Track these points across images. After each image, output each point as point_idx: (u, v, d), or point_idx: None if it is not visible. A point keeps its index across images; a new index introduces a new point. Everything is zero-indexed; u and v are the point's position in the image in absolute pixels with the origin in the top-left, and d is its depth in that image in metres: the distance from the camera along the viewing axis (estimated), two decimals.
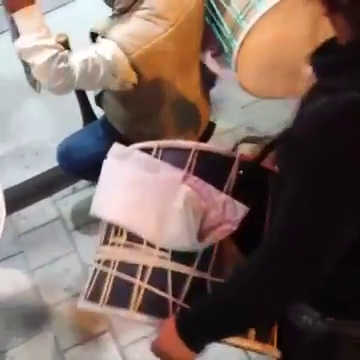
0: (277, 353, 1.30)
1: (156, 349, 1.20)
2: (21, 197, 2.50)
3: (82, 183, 2.49)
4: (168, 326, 1.16)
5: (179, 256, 1.23)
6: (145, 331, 2.06)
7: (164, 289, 1.21)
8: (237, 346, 1.25)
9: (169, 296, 1.21)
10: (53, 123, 2.69)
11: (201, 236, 1.22)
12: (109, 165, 1.34)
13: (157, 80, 1.84)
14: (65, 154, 2.18)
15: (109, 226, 1.31)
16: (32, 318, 2.19)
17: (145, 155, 1.29)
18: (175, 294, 1.21)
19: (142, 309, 1.21)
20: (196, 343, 1.14)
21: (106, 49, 1.73)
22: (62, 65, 1.66)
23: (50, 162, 2.45)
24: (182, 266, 1.23)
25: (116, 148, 1.34)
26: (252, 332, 1.24)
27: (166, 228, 1.21)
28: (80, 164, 2.12)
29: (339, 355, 1.25)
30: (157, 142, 1.29)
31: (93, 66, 1.70)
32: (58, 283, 2.25)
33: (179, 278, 1.22)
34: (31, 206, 2.50)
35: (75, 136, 2.22)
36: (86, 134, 2.23)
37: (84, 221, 2.37)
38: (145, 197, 1.24)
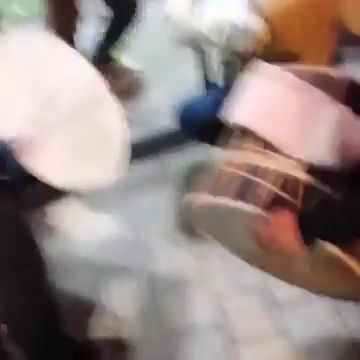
0: None
1: (267, 236, 1.25)
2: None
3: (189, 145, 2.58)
4: (287, 217, 1.21)
5: (314, 171, 1.27)
6: (239, 284, 2.09)
7: (294, 197, 1.26)
8: (337, 260, 1.27)
9: (298, 203, 1.25)
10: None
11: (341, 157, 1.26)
12: (253, 81, 1.40)
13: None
14: (185, 112, 2.26)
15: (242, 134, 1.37)
16: (130, 261, 2.26)
17: (294, 76, 1.34)
18: (303, 204, 1.26)
19: (268, 209, 1.27)
20: (310, 237, 1.19)
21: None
22: None
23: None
24: (316, 180, 1.27)
25: (263, 67, 1.40)
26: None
27: (311, 140, 1.26)
28: (198, 123, 2.19)
29: None
30: (309, 68, 1.34)
31: None
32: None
33: (310, 191, 1.26)
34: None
35: (194, 97, 2.30)
36: (206, 96, 2.30)
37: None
38: (291, 110, 1.29)
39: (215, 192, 1.35)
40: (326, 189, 1.26)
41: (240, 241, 1.56)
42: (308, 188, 1.27)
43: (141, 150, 2.68)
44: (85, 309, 2.07)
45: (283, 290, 2.01)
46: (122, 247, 2.32)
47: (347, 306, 1.87)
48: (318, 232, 1.21)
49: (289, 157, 1.28)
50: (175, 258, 2.25)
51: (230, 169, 1.35)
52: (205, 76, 2.50)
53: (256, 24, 1.79)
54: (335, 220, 1.18)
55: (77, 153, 1.51)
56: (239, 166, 1.33)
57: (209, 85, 2.47)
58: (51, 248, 2.19)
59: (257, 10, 1.76)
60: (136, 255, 2.28)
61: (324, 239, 1.21)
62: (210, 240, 1.70)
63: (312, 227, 1.21)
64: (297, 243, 1.21)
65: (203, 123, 2.17)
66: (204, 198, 1.37)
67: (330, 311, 1.96)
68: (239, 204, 1.29)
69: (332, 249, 1.24)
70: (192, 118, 2.22)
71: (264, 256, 1.48)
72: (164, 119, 2.58)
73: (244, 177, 1.30)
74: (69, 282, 2.13)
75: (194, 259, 2.23)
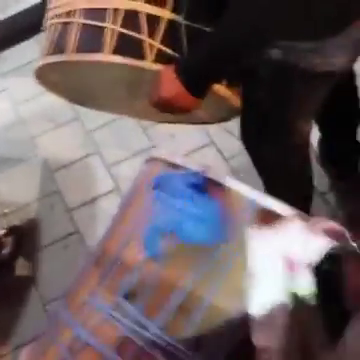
0: (238, 102, 1.34)
1: (157, 100, 1.17)
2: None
3: None
4: (167, 73, 1.14)
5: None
6: (130, 151, 2.10)
7: (138, 31, 1.21)
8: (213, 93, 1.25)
9: (144, 37, 1.20)
10: None
11: None
12: None
13: None
14: None
15: None
16: (18, 148, 2.21)
17: None
18: (150, 36, 1.20)
19: (117, 51, 1.20)
20: (196, 86, 1.13)
21: None
22: None
23: None
24: (155, 8, 1.22)
25: None
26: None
27: None
28: None
29: (294, 86, 1.27)
30: None
31: None
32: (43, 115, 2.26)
33: (153, 21, 1.21)
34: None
35: None
36: None
37: None
38: None
39: (56, 51, 1.26)
40: (169, 15, 1.22)
41: (105, 94, 1.51)
42: (150, 19, 1.21)
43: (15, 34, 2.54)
44: None
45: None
46: (6, 138, 2.26)
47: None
48: (202, 76, 1.15)
49: None
50: (62, 138, 2.21)
51: (63, 20, 1.26)
52: None
53: None
54: (211, 48, 1.11)
55: None
56: (72, 14, 1.24)
57: None
58: None
59: None
60: (22, 143, 2.23)
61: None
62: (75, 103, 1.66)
63: (194, 75, 1.15)
64: (192, 100, 1.14)
65: None
66: (46, 60, 1.29)
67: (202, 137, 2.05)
68: (86, 56, 1.23)
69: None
70: None
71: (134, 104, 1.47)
72: None
73: (83, 25, 1.22)
74: None
75: (81, 136, 2.20)
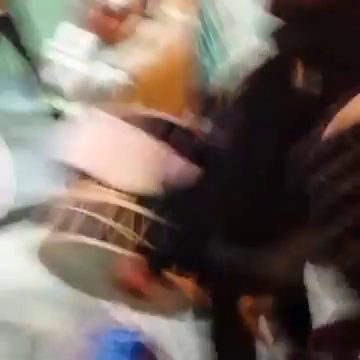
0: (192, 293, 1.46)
1: (124, 285, 1.38)
2: None
3: None
4: (135, 259, 1.36)
5: (141, 201, 1.45)
6: None
7: (127, 225, 1.43)
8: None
9: (130, 231, 1.43)
10: None
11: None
12: (81, 125, 1.61)
13: None
14: None
15: (76, 173, 1.53)
16: None
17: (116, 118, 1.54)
18: (135, 231, 1.43)
19: (106, 240, 1.42)
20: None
21: None
22: None
23: None
24: (143, 209, 1.45)
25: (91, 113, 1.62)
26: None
27: (132, 174, 1.46)
28: None
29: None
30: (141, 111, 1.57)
31: None
32: None
33: (140, 219, 1.44)
34: None
35: None
36: None
37: None
38: (114, 149, 1.50)
39: (60, 229, 1.48)
40: (151, 215, 1.44)
41: (91, 279, 1.67)
42: (138, 217, 1.44)
43: None
44: None
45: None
46: None
47: None
48: (164, 265, 1.36)
49: (120, 190, 1.46)
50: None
51: (69, 207, 1.48)
52: None
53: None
54: (176, 250, 1.34)
55: None
56: (78, 204, 1.48)
57: None
58: None
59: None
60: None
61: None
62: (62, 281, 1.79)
63: (160, 263, 1.37)
64: (150, 286, 1.35)
65: None
66: (54, 237, 1.50)
67: None
68: (83, 239, 1.44)
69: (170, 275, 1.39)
70: None
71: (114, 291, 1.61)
72: None
73: (85, 214, 1.45)
74: None
75: None
